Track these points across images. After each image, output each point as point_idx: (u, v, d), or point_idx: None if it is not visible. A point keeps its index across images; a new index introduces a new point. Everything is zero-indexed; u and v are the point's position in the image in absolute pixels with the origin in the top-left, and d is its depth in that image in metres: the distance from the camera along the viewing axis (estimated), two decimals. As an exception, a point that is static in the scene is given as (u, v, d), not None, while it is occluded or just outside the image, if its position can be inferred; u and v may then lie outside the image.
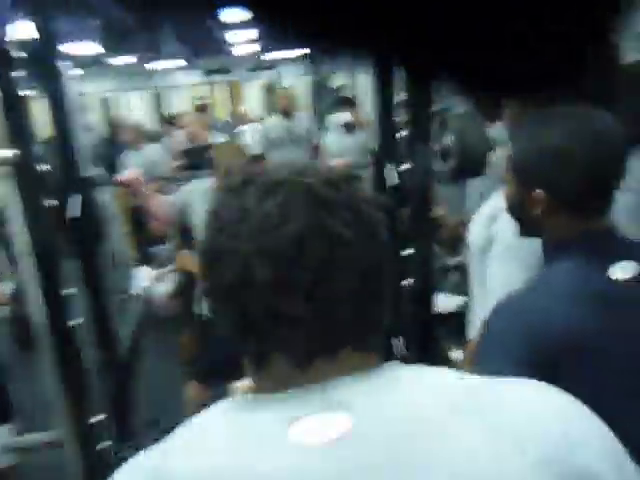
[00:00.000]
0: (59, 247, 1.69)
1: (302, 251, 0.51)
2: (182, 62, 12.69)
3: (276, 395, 0.53)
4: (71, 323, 1.63)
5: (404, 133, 1.74)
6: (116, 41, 8.48)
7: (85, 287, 1.86)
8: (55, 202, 1.68)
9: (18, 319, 1.62)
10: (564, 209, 0.96)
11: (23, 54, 1.53)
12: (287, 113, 4.73)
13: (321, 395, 0.51)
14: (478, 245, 1.33)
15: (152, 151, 4.89)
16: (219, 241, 0.54)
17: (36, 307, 1.54)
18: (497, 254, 1.25)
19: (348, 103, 4.60)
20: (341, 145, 4.34)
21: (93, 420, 1.72)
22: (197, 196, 2.34)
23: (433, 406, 0.50)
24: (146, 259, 4.33)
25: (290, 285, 0.51)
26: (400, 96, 1.83)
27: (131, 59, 10.77)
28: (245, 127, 7.92)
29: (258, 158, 4.84)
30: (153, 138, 7.06)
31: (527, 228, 1.04)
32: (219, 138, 5.59)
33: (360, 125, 4.29)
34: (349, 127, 4.30)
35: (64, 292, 1.61)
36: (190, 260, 2.46)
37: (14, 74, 1.46)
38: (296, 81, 11.81)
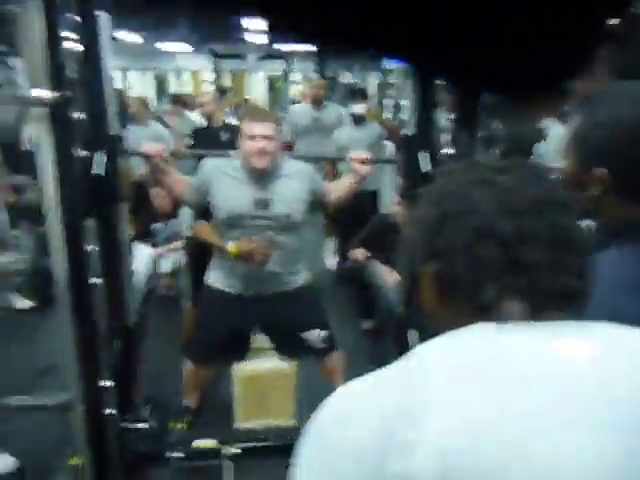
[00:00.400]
0: (84, 202, 1.62)
1: (540, 211, 0.61)
2: (188, 46, 12.63)
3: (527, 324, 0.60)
4: (91, 281, 1.57)
5: (449, 117, 1.70)
6: (125, 17, 8.40)
7: (100, 248, 1.78)
8: (85, 154, 1.61)
9: (39, 271, 1.54)
10: (624, 193, 0.91)
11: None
12: (316, 102, 4.70)
13: (569, 327, 0.60)
14: None
15: (157, 127, 4.82)
16: (454, 205, 0.64)
17: (59, 260, 1.48)
18: None
19: (360, 95, 4.56)
20: (351, 137, 4.31)
21: (103, 384, 1.66)
22: (217, 174, 2.29)
23: None
24: (146, 236, 4.25)
25: (531, 235, 0.60)
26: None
27: (137, 38, 10.67)
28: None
29: (286, 145, 4.85)
30: (157, 116, 7.00)
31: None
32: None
33: (370, 117, 4.27)
34: (359, 119, 4.27)
35: (86, 248, 1.55)
36: (208, 230, 2.40)
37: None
38: (305, 75, 11.79)
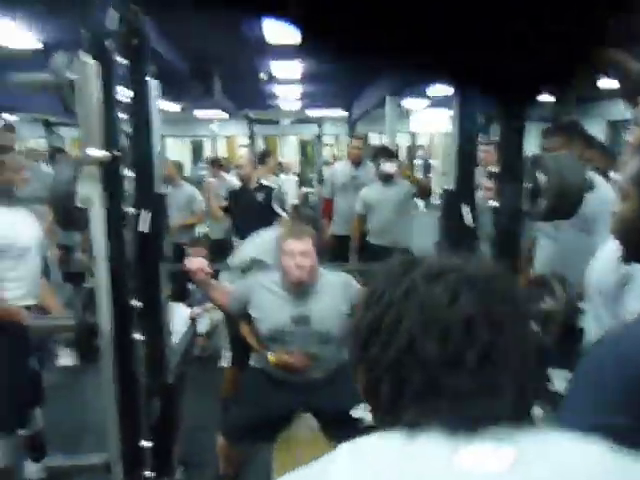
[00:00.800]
0: (130, 258, 1.65)
1: (470, 331, 0.57)
2: (224, 113, 13.18)
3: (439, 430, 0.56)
4: (135, 337, 1.56)
5: (493, 170, 1.70)
6: (167, 88, 8.85)
7: (143, 305, 1.79)
8: (133, 211, 1.65)
9: (84, 327, 1.55)
10: None
11: (124, 62, 1.56)
12: (355, 161, 4.82)
13: (482, 433, 0.55)
14: (606, 290, 1.25)
15: (189, 188, 4.97)
16: (383, 316, 0.61)
17: (105, 315, 1.49)
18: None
19: (389, 154, 4.62)
20: (379, 195, 4.34)
21: (143, 444, 1.62)
22: (257, 287, 2.35)
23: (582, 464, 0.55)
24: (182, 296, 4.29)
25: (456, 361, 0.57)
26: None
27: (175, 106, 11.19)
28: (284, 176, 8.08)
29: (327, 201, 4.97)
30: (191, 180, 7.24)
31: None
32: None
33: (400, 175, 4.28)
34: (388, 178, 4.30)
35: (132, 304, 1.56)
36: (250, 333, 2.47)
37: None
38: (336, 138, 12.10)
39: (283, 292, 2.30)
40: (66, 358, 4.16)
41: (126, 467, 1.61)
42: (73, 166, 1.46)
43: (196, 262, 2.27)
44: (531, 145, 2.20)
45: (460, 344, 0.57)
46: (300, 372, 2.28)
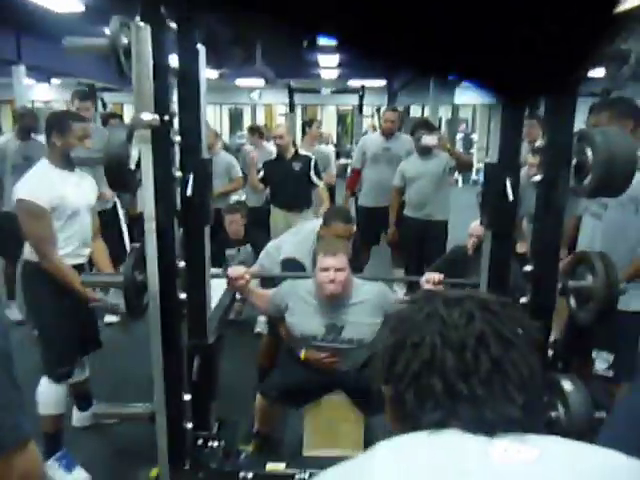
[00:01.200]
0: (178, 220, 1.70)
1: (483, 345, 0.67)
2: (263, 81, 13.12)
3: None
4: (180, 296, 1.63)
5: (538, 144, 1.67)
6: (208, 55, 8.86)
7: (188, 265, 1.86)
8: (180, 174, 1.70)
9: (133, 285, 1.63)
10: None
11: (175, 27, 1.58)
12: (388, 133, 4.76)
13: (501, 433, 0.65)
14: None
15: (227, 157, 5.01)
16: (407, 336, 0.71)
17: (153, 275, 1.55)
18: None
19: (429, 126, 4.55)
20: (418, 168, 4.30)
21: (185, 398, 1.70)
22: (293, 296, 2.44)
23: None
24: (219, 261, 4.38)
25: (471, 371, 0.66)
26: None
27: (214, 74, 11.19)
28: (323, 147, 8.05)
29: (355, 172, 4.94)
30: (229, 148, 7.29)
31: None
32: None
33: (441, 147, 4.20)
34: (426, 151, 4.24)
35: (178, 264, 1.62)
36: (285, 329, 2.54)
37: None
38: (376, 109, 11.93)
39: (317, 303, 2.40)
40: (111, 316, 4.38)
41: (169, 418, 1.69)
42: (126, 129, 1.51)
43: (236, 270, 2.40)
44: (579, 122, 2.15)
45: (474, 356, 0.66)
46: (329, 368, 2.41)
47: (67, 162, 2.29)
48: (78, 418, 2.81)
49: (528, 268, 1.69)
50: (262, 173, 4.52)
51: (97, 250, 2.57)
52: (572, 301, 1.75)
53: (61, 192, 2.27)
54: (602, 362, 2.28)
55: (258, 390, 2.59)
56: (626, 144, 1.50)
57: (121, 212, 4.39)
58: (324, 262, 2.33)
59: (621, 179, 1.50)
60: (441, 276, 2.34)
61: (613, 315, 1.69)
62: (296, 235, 3.17)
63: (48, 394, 2.38)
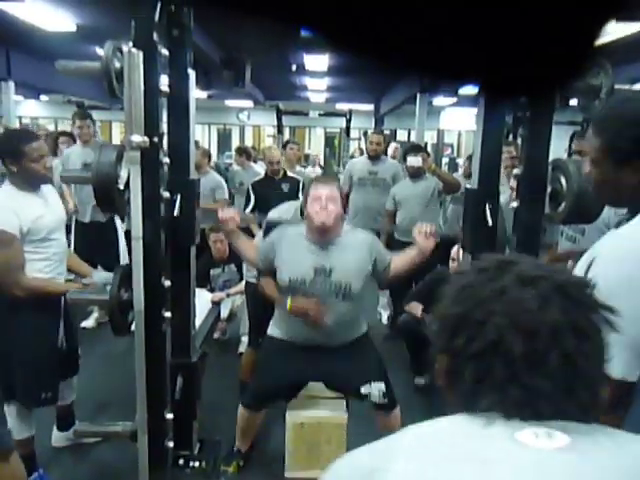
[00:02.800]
0: (164, 239, 1.73)
1: (556, 339, 0.61)
2: (251, 102, 13.26)
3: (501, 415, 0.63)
4: (165, 314, 1.65)
5: (516, 172, 1.74)
6: (198, 75, 8.96)
7: (174, 285, 1.88)
8: (167, 195, 1.74)
9: (119, 303, 1.64)
10: None
11: (166, 53, 1.63)
12: (374, 157, 4.82)
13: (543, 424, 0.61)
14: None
15: (215, 176, 5.05)
16: (473, 311, 0.65)
17: (139, 293, 1.57)
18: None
19: (418, 149, 4.63)
20: (408, 191, 4.37)
21: (167, 417, 1.71)
22: (283, 238, 2.40)
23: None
24: (204, 281, 4.39)
25: (539, 362, 0.61)
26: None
27: (203, 94, 11.29)
28: (310, 169, 8.14)
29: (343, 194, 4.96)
30: (217, 168, 7.32)
31: (626, 201, 1.19)
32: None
33: (425, 168, 4.26)
34: (416, 174, 4.32)
35: (164, 283, 1.64)
36: (272, 286, 2.48)
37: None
38: (363, 132, 12.08)
39: (307, 243, 2.34)
40: (88, 321, 4.37)
41: (151, 437, 1.70)
42: (115, 150, 1.55)
43: (228, 212, 2.35)
44: (560, 149, 2.23)
45: (545, 347, 0.61)
46: (314, 321, 2.29)
47: (31, 183, 2.20)
48: (57, 438, 2.76)
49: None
50: (252, 203, 4.51)
51: (69, 260, 2.47)
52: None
53: (31, 215, 2.16)
54: None
55: (240, 403, 2.56)
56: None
57: (120, 226, 4.40)
58: (316, 191, 2.28)
59: (593, 208, 1.56)
60: (433, 227, 2.35)
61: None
62: (275, 213, 3.12)
63: (14, 420, 2.33)
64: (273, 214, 3.05)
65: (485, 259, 0.71)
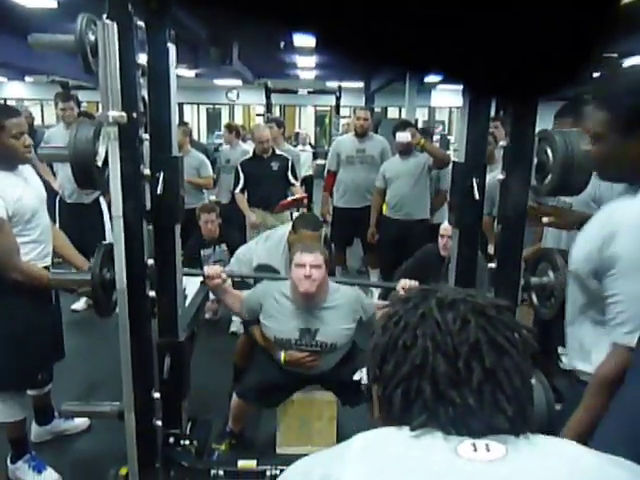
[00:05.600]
0: (147, 217, 1.70)
1: (476, 356, 0.65)
2: (241, 81, 13.10)
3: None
4: (149, 294, 1.63)
5: (502, 144, 1.72)
6: (185, 54, 8.83)
7: (158, 263, 1.86)
8: (148, 172, 1.70)
9: (101, 283, 1.62)
10: None
11: (142, 25, 1.58)
12: (361, 134, 4.76)
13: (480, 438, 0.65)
14: (587, 269, 1.29)
15: (198, 155, 4.99)
16: (399, 337, 0.69)
17: (121, 273, 1.55)
18: (624, 272, 1.20)
19: (407, 125, 4.59)
20: (398, 168, 4.34)
21: (154, 396, 1.71)
22: (268, 297, 2.44)
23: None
24: (195, 261, 4.37)
25: (463, 379, 0.65)
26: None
27: (191, 73, 11.13)
28: (300, 147, 8.07)
29: (330, 174, 4.95)
30: (206, 147, 7.24)
31: (629, 174, 1.20)
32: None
33: (414, 143, 4.23)
34: (405, 151, 4.29)
35: (147, 262, 1.62)
36: (261, 335, 2.54)
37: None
38: (353, 110, 11.98)
39: (292, 305, 2.39)
40: (78, 303, 4.36)
41: (138, 416, 1.69)
42: (93, 126, 1.51)
43: (212, 269, 2.41)
44: (547, 126, 2.21)
45: (467, 364, 0.65)
46: (310, 368, 2.42)
47: (9, 163, 2.13)
48: (38, 433, 2.70)
49: (492, 265, 1.74)
50: (241, 182, 4.49)
51: (57, 240, 2.44)
52: (534, 297, 1.79)
53: (15, 195, 2.10)
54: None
55: (235, 392, 2.59)
56: (585, 146, 1.54)
57: (105, 207, 4.36)
58: (301, 258, 2.32)
59: (579, 179, 1.55)
60: (416, 283, 2.35)
61: None
62: (266, 241, 3.19)
63: (5, 403, 2.32)
64: (262, 256, 3.07)
65: (410, 291, 0.78)
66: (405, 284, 2.36)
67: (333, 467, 0.64)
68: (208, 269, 2.42)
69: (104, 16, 1.44)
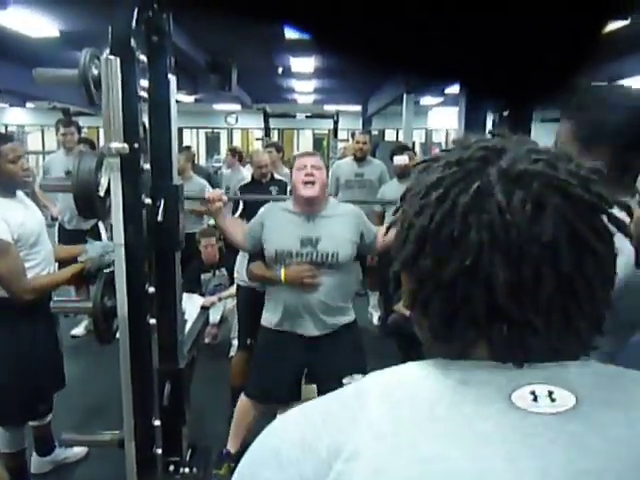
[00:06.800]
0: (147, 246, 1.72)
1: (552, 257, 0.47)
2: (238, 106, 13.25)
3: (491, 362, 0.50)
4: (150, 321, 1.64)
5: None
6: (184, 80, 8.95)
7: (159, 291, 1.87)
8: (149, 201, 1.73)
9: (102, 311, 1.64)
10: None
11: (144, 59, 1.63)
12: (360, 158, 4.82)
13: (541, 371, 0.49)
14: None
15: (199, 181, 5.01)
16: (443, 223, 0.50)
17: (122, 300, 1.57)
18: None
19: (404, 149, 4.64)
20: (397, 191, 4.37)
21: (154, 424, 1.70)
22: (270, 213, 2.43)
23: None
24: (195, 286, 4.38)
25: (528, 290, 0.48)
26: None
27: (190, 99, 11.26)
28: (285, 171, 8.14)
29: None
30: (205, 171, 7.28)
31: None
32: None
33: (411, 166, 4.28)
34: (403, 173, 4.33)
35: (148, 289, 1.63)
36: (261, 266, 2.47)
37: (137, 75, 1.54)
38: (351, 134, 12.11)
39: (293, 215, 2.38)
40: (77, 328, 4.37)
41: (138, 444, 1.69)
42: (95, 157, 1.54)
43: (214, 192, 2.39)
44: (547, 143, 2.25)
45: (536, 271, 0.47)
46: (309, 286, 2.31)
47: (8, 188, 2.14)
48: (38, 464, 2.67)
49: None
50: (240, 207, 4.51)
51: (57, 251, 2.41)
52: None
53: (18, 220, 2.10)
54: None
55: (243, 393, 2.57)
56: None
57: (104, 233, 4.38)
58: (301, 161, 2.33)
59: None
60: None
61: None
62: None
63: (6, 433, 2.30)
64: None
65: (466, 142, 0.54)
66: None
67: (345, 436, 0.47)
68: (209, 193, 2.40)
69: (107, 51, 1.48)
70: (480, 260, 0.48)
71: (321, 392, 2.58)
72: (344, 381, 2.36)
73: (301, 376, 2.58)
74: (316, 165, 2.32)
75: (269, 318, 2.51)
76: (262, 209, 2.51)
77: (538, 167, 0.49)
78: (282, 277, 2.34)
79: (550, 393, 0.47)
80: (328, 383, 2.50)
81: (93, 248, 2.10)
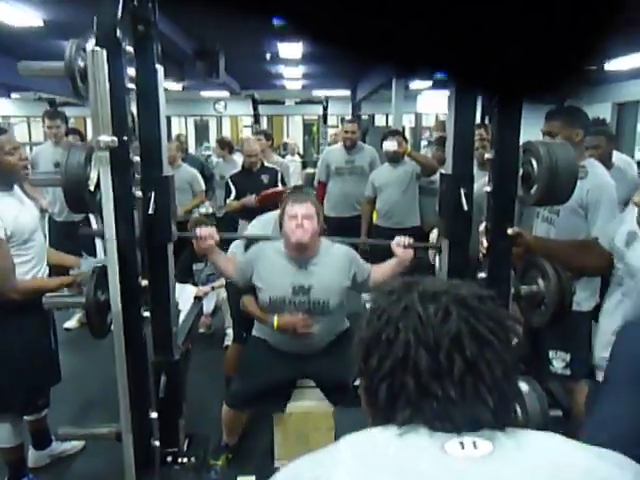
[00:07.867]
0: (140, 238, 1.71)
1: (459, 346, 0.65)
2: (226, 93, 13.12)
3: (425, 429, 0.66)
4: (144, 313, 1.64)
5: (488, 156, 1.75)
6: (171, 68, 8.84)
7: (152, 283, 1.87)
8: (140, 193, 1.72)
9: (96, 305, 1.63)
10: None
11: (131, 50, 1.60)
12: (350, 145, 4.79)
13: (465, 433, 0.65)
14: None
15: (187, 169, 4.97)
16: (382, 331, 0.69)
17: (115, 294, 1.56)
18: None
19: (393, 134, 4.61)
20: (388, 176, 4.36)
21: (151, 416, 1.71)
22: (261, 256, 2.42)
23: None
24: (188, 276, 4.37)
25: (444, 372, 0.65)
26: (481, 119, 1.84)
27: (178, 86, 11.13)
28: (289, 157, 8.10)
29: (321, 184, 4.96)
30: (194, 161, 7.23)
31: None
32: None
33: (401, 151, 4.25)
34: (394, 158, 4.31)
35: (141, 282, 1.63)
36: (253, 304, 2.51)
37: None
38: (340, 119, 12.04)
39: (285, 261, 2.36)
40: (70, 321, 4.37)
41: (136, 436, 1.70)
42: (84, 151, 1.52)
43: (205, 230, 2.34)
44: (537, 129, 2.25)
45: (448, 357, 0.65)
46: (302, 336, 2.33)
47: (7, 181, 2.12)
48: (36, 458, 2.67)
49: (482, 275, 1.77)
50: (233, 193, 4.48)
51: (49, 254, 2.40)
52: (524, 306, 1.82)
53: (12, 215, 2.08)
54: (559, 362, 2.37)
55: (224, 401, 2.57)
56: (568, 156, 1.58)
57: (95, 225, 4.35)
58: (292, 210, 2.30)
59: (563, 188, 1.58)
60: (410, 240, 2.37)
61: (566, 317, 1.77)
62: (256, 225, 3.13)
63: (4, 427, 2.30)
64: (254, 227, 3.05)
65: (391, 283, 0.76)
66: (400, 241, 2.35)
67: (322, 470, 0.64)
68: (200, 230, 2.35)
69: (92, 42, 1.46)
70: (409, 353, 0.66)
71: (331, 395, 2.59)
72: (349, 382, 2.39)
73: (292, 385, 2.59)
74: (307, 215, 2.29)
75: (261, 330, 2.53)
76: (254, 248, 2.50)
77: (445, 287, 0.71)
78: (275, 324, 2.36)
79: (474, 443, 0.63)
80: (337, 387, 2.52)
81: (87, 264, 2.09)
